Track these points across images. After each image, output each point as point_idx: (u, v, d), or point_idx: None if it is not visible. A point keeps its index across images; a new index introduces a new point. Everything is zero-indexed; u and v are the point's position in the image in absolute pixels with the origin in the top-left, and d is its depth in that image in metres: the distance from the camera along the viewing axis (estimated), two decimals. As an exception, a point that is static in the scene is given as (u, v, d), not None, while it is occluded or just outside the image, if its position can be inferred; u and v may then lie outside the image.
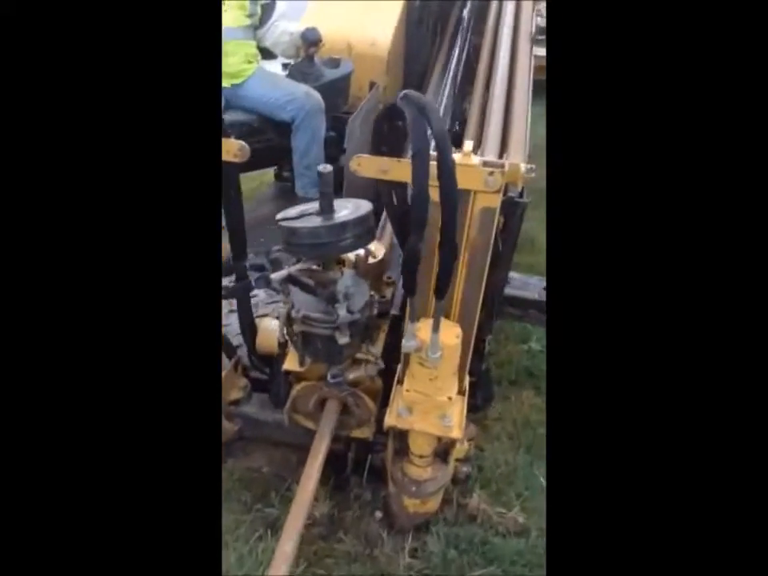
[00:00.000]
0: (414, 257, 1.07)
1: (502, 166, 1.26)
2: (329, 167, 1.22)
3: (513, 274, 2.04)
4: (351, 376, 1.49)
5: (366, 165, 1.31)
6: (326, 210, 1.26)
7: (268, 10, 2.48)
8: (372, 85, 2.65)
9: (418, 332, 1.36)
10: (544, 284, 2.02)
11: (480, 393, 1.75)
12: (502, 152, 1.58)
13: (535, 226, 3.40)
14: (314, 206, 1.29)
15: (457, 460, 1.70)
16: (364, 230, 1.27)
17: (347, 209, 1.30)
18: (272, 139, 2.60)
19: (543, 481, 1.76)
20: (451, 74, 2.42)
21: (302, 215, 1.27)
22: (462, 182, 1.26)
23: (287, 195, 2.89)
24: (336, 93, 2.63)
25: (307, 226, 1.20)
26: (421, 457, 1.54)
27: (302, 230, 1.20)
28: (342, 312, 1.34)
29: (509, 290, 1.98)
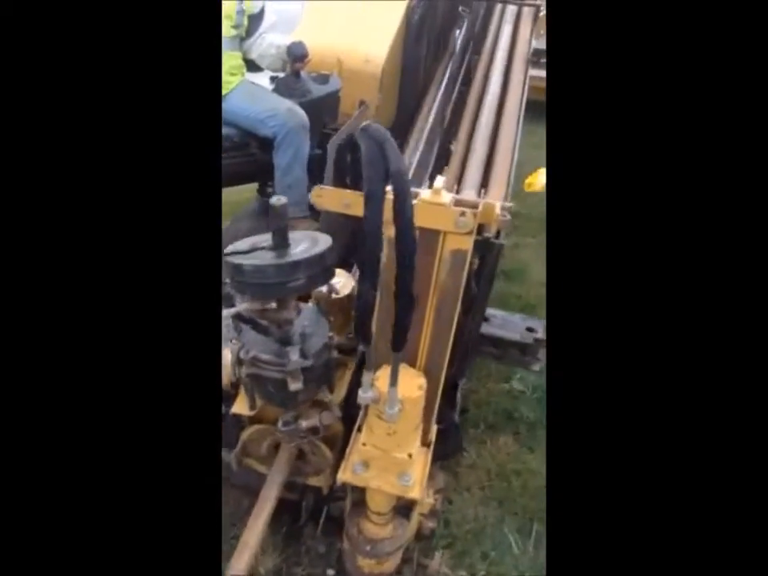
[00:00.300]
0: (364, 306, 0.95)
1: (476, 206, 1.14)
2: (282, 199, 1.11)
3: (494, 311, 1.93)
4: (305, 424, 1.36)
5: (327, 197, 1.20)
6: (280, 245, 1.14)
7: (255, 22, 2.38)
8: (361, 103, 2.54)
9: (377, 381, 1.24)
10: (527, 323, 1.90)
11: (449, 443, 1.63)
12: (483, 186, 1.47)
13: (528, 255, 3.29)
14: (269, 238, 1.17)
15: (421, 514, 1.58)
16: (320, 269, 1.15)
17: (304, 244, 1.18)
18: (255, 154, 2.49)
19: (513, 541, 1.63)
20: (441, 97, 2.29)
21: (254, 249, 1.16)
22: (431, 221, 1.15)
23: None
24: (323, 110, 2.52)
25: (253, 264, 1.09)
26: (379, 514, 1.42)
27: (247, 268, 1.08)
28: (294, 356, 1.22)
29: (489, 329, 1.87)
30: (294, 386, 1.25)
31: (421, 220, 1.15)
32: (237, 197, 3.31)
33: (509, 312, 1.97)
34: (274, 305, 1.24)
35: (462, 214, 1.11)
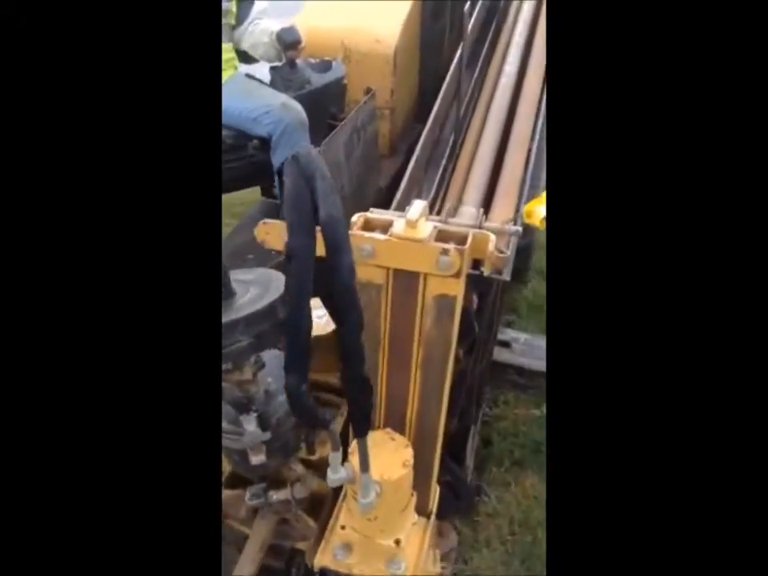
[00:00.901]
0: (297, 403, 0.72)
1: (464, 239, 0.89)
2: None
3: (516, 334, 1.67)
4: (275, 497, 1.15)
5: (275, 233, 0.97)
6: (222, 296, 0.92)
7: (244, 8, 2.13)
8: (368, 91, 2.27)
9: (352, 457, 1.01)
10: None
11: (460, 502, 1.39)
12: (488, 202, 1.19)
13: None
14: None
15: (429, 582, 1.35)
16: (270, 324, 0.91)
17: (253, 290, 0.95)
18: (253, 155, 2.26)
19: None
20: (453, 81, 1.99)
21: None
22: (407, 261, 0.90)
23: (276, 215, 2.56)
24: (326, 101, 2.26)
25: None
26: (372, 595, 1.20)
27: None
28: (250, 427, 1.00)
29: (511, 357, 1.61)
30: (256, 459, 1.04)
31: (393, 260, 0.91)
32: (249, 196, 3.10)
33: (534, 333, 1.70)
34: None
35: (445, 252, 0.85)
